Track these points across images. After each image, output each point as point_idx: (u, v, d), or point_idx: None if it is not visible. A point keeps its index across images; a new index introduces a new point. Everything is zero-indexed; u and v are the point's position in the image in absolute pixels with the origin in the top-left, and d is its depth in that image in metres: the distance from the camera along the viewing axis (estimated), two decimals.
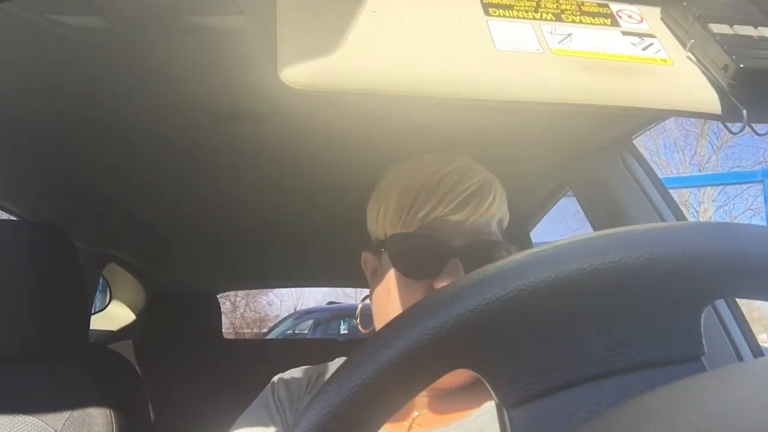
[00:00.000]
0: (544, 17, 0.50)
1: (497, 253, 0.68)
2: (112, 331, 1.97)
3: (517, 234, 1.55)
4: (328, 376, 0.67)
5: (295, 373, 0.77)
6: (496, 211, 0.68)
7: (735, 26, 0.48)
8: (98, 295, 1.98)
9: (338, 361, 0.77)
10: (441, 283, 0.63)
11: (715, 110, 0.47)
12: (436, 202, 0.66)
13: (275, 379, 0.76)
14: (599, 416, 0.24)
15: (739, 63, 0.44)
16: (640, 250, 0.28)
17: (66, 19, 0.71)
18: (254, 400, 0.74)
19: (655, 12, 0.54)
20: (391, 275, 0.68)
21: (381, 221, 0.71)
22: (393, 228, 0.69)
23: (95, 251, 1.68)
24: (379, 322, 0.71)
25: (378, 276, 0.71)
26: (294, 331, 6.06)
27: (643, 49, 0.50)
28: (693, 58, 0.49)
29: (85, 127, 1.02)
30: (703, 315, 0.30)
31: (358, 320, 0.76)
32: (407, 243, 0.67)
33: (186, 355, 2.06)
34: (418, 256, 0.66)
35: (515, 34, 0.48)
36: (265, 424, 0.69)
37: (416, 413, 0.69)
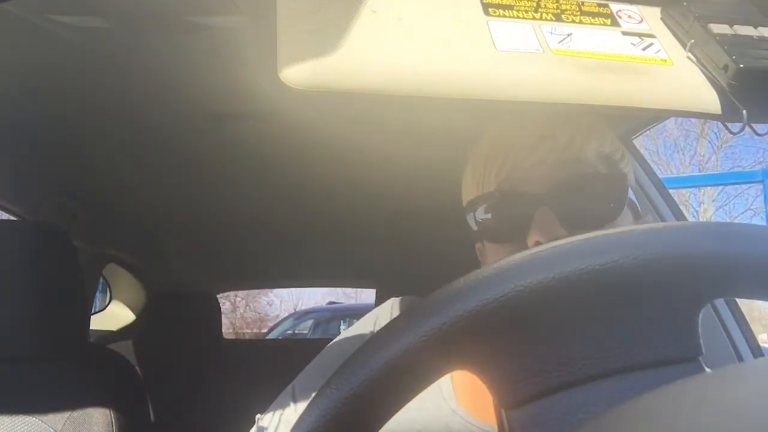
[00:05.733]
0: (544, 17, 0.50)
1: (596, 186, 0.57)
2: (112, 331, 1.98)
3: None
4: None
5: (348, 336, 0.70)
6: (585, 141, 0.58)
7: (735, 26, 0.48)
8: (98, 295, 1.98)
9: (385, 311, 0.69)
10: (533, 239, 0.54)
11: (715, 110, 0.47)
12: (505, 154, 0.58)
13: (328, 346, 0.69)
14: (599, 416, 0.24)
15: (739, 63, 0.44)
16: (639, 250, 0.28)
17: (66, 19, 0.71)
18: (307, 366, 0.67)
19: (655, 12, 0.54)
20: (486, 250, 0.61)
21: (464, 197, 0.64)
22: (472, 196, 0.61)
23: (95, 251, 1.68)
24: None
25: (483, 259, 0.64)
26: (294, 331, 6.05)
27: (643, 49, 0.49)
28: (693, 58, 0.49)
29: (85, 128, 1.02)
30: (700, 315, 0.30)
31: None
32: (487, 205, 0.59)
33: (186, 355, 2.06)
34: (502, 216, 0.59)
35: (515, 34, 0.48)
36: None
37: None
